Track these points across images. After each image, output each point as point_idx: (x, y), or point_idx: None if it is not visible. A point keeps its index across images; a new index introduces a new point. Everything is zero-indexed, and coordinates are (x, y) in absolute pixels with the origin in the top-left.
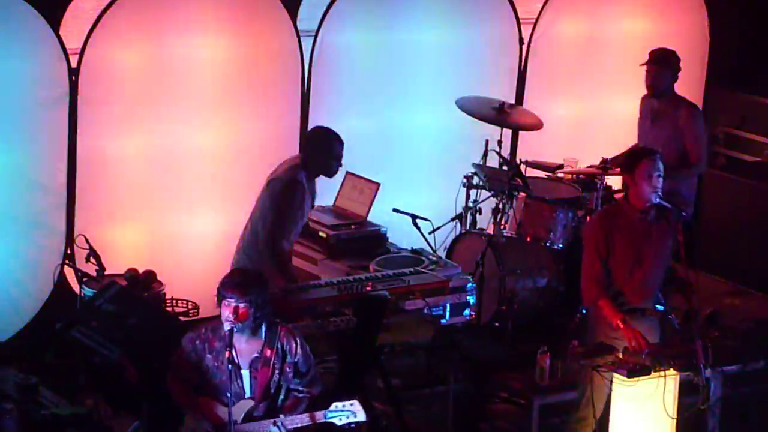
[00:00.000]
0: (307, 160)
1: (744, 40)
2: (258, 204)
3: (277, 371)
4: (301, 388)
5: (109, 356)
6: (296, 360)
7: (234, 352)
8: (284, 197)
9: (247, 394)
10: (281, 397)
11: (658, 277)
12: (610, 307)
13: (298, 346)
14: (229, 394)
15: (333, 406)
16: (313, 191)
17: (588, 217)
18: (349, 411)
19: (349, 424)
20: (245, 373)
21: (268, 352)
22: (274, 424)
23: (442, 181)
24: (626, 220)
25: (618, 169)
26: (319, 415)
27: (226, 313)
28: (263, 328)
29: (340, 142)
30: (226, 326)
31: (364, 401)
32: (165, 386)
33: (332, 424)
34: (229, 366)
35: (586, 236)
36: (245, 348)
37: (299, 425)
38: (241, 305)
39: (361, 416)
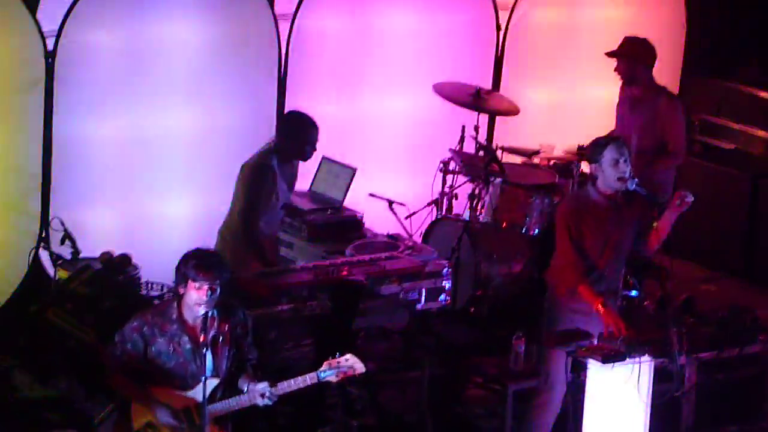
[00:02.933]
0: (280, 144)
1: (721, 28)
2: (234, 189)
3: (235, 346)
4: (250, 357)
5: (83, 339)
6: (248, 331)
7: (192, 333)
8: (254, 181)
9: (207, 373)
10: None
11: (622, 263)
12: (589, 292)
13: (248, 319)
14: (204, 377)
15: (325, 366)
16: (289, 174)
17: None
18: (345, 366)
19: (346, 378)
20: (206, 352)
21: (225, 328)
22: (262, 396)
23: (418, 167)
24: (595, 208)
25: None
26: (311, 377)
27: (197, 295)
28: None
29: (316, 128)
30: (200, 310)
31: (340, 386)
32: (104, 382)
33: (328, 383)
34: (205, 350)
35: (558, 223)
36: (201, 327)
37: (289, 390)
38: (216, 287)
39: (360, 367)
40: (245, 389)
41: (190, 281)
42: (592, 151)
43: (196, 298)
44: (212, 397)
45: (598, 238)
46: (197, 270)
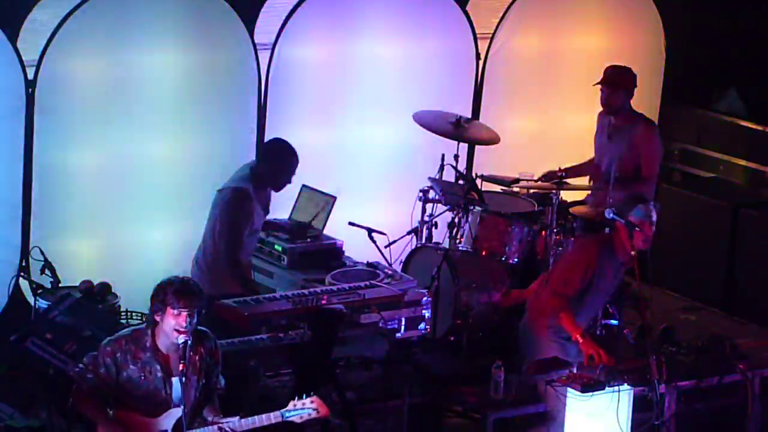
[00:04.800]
0: (258, 170)
1: (700, 57)
2: (209, 215)
3: (204, 375)
4: (218, 387)
5: (63, 368)
6: (218, 361)
7: (163, 361)
8: (233, 208)
9: (176, 401)
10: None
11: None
12: (570, 321)
13: (216, 347)
14: (183, 406)
15: (291, 405)
16: (264, 199)
17: (549, 234)
18: (309, 408)
19: (310, 420)
20: (175, 380)
21: (196, 358)
22: (220, 429)
23: (398, 195)
24: (616, 263)
25: (570, 183)
26: (276, 415)
27: (176, 322)
28: None
29: (296, 160)
30: (180, 338)
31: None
32: (71, 404)
33: (291, 422)
34: (183, 378)
35: (579, 258)
36: (174, 356)
37: (253, 426)
38: (194, 314)
39: (324, 411)
40: (209, 419)
41: (168, 308)
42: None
43: (175, 325)
44: (177, 427)
45: (606, 289)
46: (177, 296)
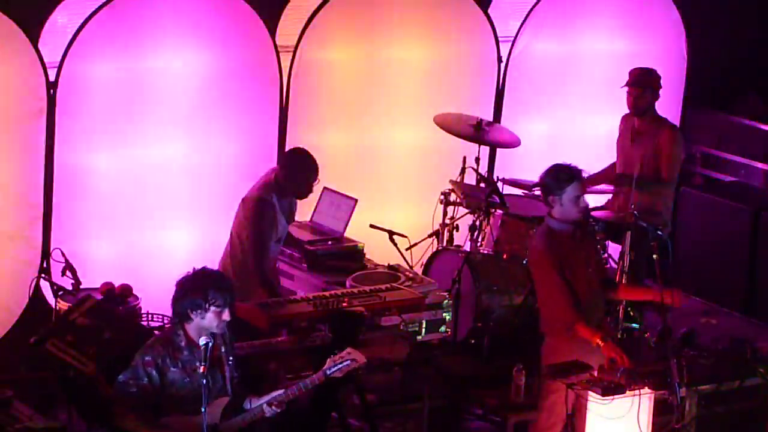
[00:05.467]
0: (279, 180)
1: (721, 61)
2: (234, 223)
3: (230, 363)
4: (235, 374)
5: (83, 370)
6: (233, 348)
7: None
8: (255, 217)
9: (216, 392)
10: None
11: (601, 293)
12: (586, 328)
13: (231, 336)
14: (204, 409)
15: (329, 362)
16: (287, 208)
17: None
18: (348, 360)
19: (352, 370)
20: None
21: (222, 349)
22: (269, 404)
23: (419, 198)
24: (565, 237)
25: (594, 188)
26: (319, 375)
27: (219, 320)
28: None
29: (316, 170)
30: (202, 340)
31: (341, 417)
32: (116, 422)
33: (334, 379)
34: (205, 381)
35: (541, 264)
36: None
37: (298, 393)
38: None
39: (361, 359)
40: (249, 404)
41: (212, 306)
42: (554, 183)
43: (217, 322)
44: (224, 415)
45: (581, 264)
46: (220, 293)
